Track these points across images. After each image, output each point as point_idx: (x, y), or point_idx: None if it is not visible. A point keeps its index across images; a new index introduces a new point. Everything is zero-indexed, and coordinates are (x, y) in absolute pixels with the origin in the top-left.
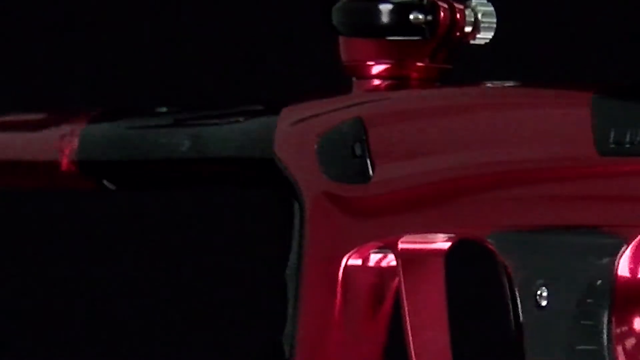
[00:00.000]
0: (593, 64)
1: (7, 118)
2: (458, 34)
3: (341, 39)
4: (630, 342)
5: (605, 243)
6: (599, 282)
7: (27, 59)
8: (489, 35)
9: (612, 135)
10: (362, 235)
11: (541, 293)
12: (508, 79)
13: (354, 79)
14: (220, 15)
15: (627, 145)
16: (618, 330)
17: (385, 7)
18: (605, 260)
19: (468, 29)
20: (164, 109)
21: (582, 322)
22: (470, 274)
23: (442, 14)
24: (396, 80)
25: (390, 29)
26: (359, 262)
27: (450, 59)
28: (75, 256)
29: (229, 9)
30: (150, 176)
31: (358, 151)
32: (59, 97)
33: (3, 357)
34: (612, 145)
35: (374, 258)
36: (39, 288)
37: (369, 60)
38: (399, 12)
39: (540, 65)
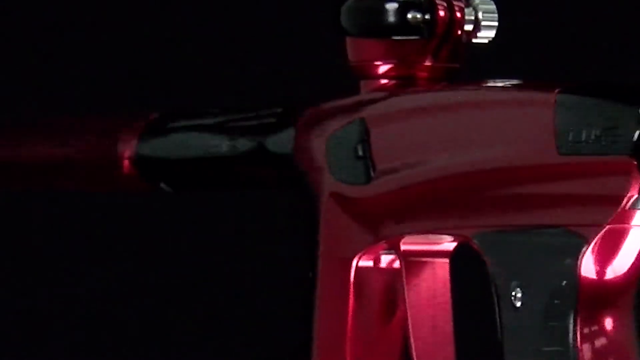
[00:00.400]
0: (595, 64)
1: (68, 121)
2: (459, 32)
3: (347, 40)
4: (597, 342)
5: (568, 243)
6: (564, 282)
7: (27, 58)
8: (491, 33)
9: (570, 134)
10: (368, 237)
11: (516, 294)
12: (513, 77)
13: (361, 79)
14: (226, 17)
15: (583, 144)
16: (586, 331)
17: (382, 7)
18: (569, 260)
19: (468, 27)
20: (214, 110)
21: (550, 323)
22: (473, 274)
23: (440, 12)
24: (401, 80)
25: (389, 28)
26: (370, 263)
27: (455, 58)
28: (75, 256)
29: (235, 10)
30: (199, 178)
31: (360, 152)
32: (60, 97)
33: (3, 357)
34: (570, 145)
35: (385, 259)
36: (39, 288)
37: (373, 61)
38: (397, 12)
39: (545, 64)
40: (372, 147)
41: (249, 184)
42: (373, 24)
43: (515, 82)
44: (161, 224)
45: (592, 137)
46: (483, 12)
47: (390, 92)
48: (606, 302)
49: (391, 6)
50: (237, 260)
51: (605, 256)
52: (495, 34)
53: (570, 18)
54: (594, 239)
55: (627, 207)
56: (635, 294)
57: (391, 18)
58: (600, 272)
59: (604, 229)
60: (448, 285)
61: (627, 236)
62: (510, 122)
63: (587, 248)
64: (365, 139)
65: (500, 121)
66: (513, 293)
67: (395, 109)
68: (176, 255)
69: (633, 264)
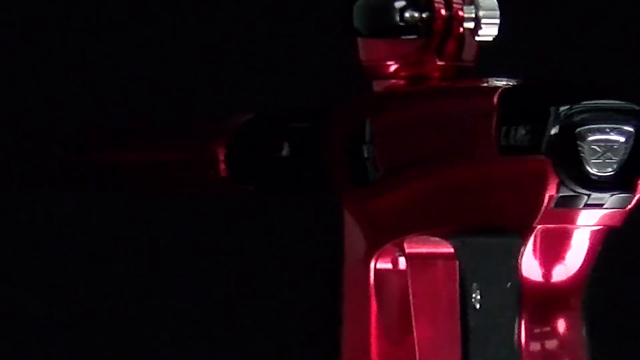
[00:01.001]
0: (595, 63)
1: (162, 126)
2: (460, 30)
3: (358, 40)
4: (547, 343)
5: (509, 244)
6: (509, 284)
7: (28, 60)
8: (493, 30)
9: (509, 134)
10: (378, 238)
11: (476, 296)
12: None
13: (373, 79)
14: (236, 20)
15: (517, 144)
16: (535, 331)
17: (383, 7)
18: (511, 261)
19: (469, 25)
20: (283, 113)
21: (498, 325)
22: None
23: (438, 10)
24: (412, 79)
25: (389, 28)
26: (389, 265)
27: (465, 56)
28: (75, 256)
29: (246, 15)
30: (275, 180)
31: (366, 153)
32: (61, 97)
33: (3, 357)
34: (507, 145)
35: (403, 262)
36: (40, 288)
37: (379, 61)
38: (395, 12)
39: (545, 63)
40: (377, 148)
41: (304, 185)
42: (375, 24)
43: (467, 82)
44: (162, 224)
45: (520, 137)
46: (483, 10)
47: (391, 92)
48: (554, 304)
49: (390, 6)
50: (240, 262)
51: (549, 257)
52: (499, 32)
53: (571, 17)
54: (528, 239)
55: (551, 206)
56: (585, 295)
57: (390, 18)
58: (546, 273)
59: (537, 229)
60: (455, 286)
61: (571, 237)
62: (461, 123)
63: (524, 249)
64: (371, 140)
65: (453, 122)
66: (474, 295)
67: (391, 110)
68: (177, 255)
69: (582, 265)
